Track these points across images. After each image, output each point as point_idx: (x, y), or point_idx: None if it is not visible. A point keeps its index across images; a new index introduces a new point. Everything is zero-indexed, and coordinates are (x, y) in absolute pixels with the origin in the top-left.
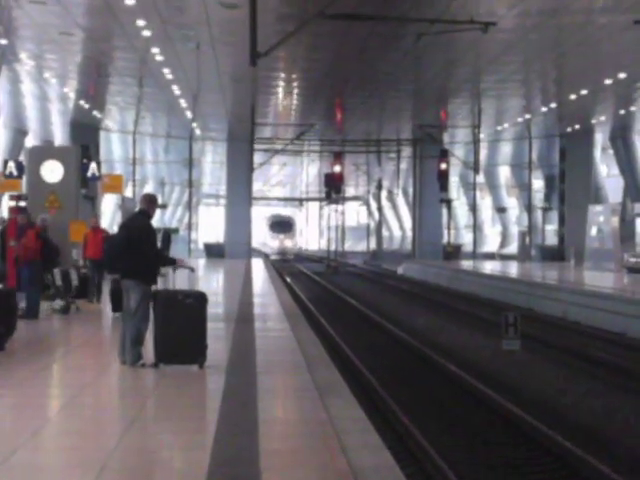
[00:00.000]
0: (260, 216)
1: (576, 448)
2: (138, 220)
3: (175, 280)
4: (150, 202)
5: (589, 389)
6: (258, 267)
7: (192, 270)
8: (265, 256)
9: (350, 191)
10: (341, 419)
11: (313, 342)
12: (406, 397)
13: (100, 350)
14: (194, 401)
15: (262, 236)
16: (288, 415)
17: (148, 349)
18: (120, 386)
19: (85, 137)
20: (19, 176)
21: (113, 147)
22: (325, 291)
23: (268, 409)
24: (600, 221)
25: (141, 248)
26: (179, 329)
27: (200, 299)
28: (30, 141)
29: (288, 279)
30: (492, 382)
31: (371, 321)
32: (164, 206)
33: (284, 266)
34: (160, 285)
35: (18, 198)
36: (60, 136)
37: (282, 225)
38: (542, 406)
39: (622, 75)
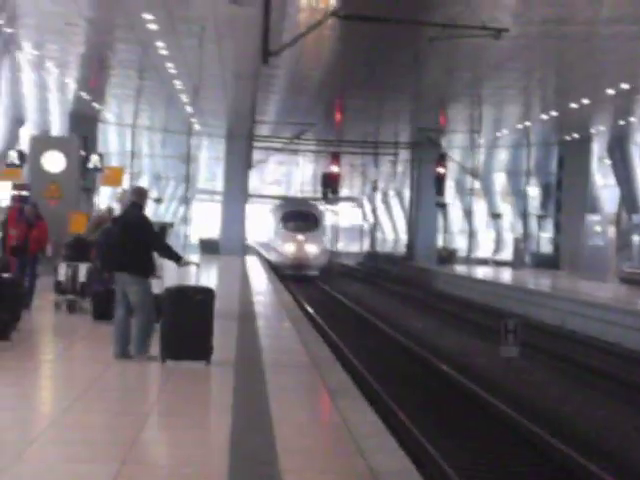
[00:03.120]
0: (264, 211)
1: (579, 456)
2: (133, 212)
3: (179, 276)
4: (141, 195)
5: (586, 397)
6: (255, 264)
7: (198, 266)
8: (273, 268)
9: (344, 192)
10: (354, 421)
11: (317, 342)
12: (406, 398)
13: (104, 343)
14: (205, 397)
15: (268, 235)
16: (301, 415)
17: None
18: (128, 380)
19: (83, 128)
20: (20, 165)
21: (109, 139)
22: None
23: (280, 408)
24: (597, 231)
25: (139, 240)
26: (188, 325)
27: (209, 295)
28: (26, 130)
29: None
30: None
31: (368, 321)
32: (159, 200)
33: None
34: (156, 286)
35: (21, 187)
36: (57, 126)
37: (301, 218)
38: (542, 412)
39: (625, 86)
